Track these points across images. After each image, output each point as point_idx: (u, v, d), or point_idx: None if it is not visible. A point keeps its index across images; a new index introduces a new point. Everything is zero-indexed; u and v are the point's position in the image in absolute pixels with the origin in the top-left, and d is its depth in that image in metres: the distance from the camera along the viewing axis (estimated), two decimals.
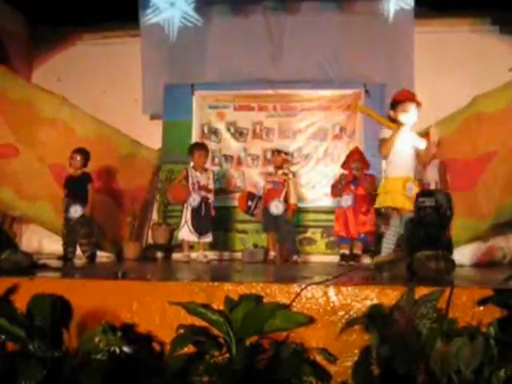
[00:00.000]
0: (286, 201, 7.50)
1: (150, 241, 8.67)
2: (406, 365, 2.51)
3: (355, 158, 7.30)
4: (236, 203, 8.31)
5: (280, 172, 7.70)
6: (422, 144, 5.19)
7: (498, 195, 6.51)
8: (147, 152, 8.88)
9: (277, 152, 7.83)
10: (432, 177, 6.44)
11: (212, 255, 7.95)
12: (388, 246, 4.94)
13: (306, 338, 2.83)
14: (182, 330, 2.82)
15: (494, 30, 8.61)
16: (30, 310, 2.90)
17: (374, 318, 2.71)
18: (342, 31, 8.85)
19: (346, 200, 7.16)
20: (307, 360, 2.77)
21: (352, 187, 7.19)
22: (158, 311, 3.01)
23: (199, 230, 7.26)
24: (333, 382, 2.75)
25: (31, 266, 4.20)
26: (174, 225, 8.09)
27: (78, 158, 6.91)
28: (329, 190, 7.57)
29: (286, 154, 8.11)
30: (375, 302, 2.85)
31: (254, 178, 8.80)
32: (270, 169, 8.03)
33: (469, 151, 6.92)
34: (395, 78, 8.30)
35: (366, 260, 7.09)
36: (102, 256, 7.65)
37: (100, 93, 9.14)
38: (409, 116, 5.16)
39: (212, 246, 7.94)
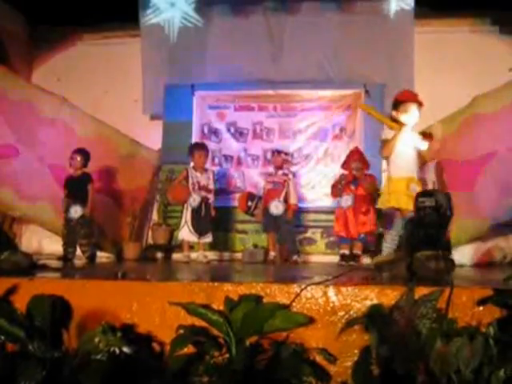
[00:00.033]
0: (285, 201, 7.50)
1: (150, 241, 8.67)
2: (405, 365, 2.51)
3: (355, 158, 7.30)
4: (236, 203, 8.30)
5: (280, 172, 7.70)
6: (423, 145, 5.20)
7: (497, 195, 6.51)
8: (147, 152, 8.87)
9: (277, 152, 7.84)
10: (429, 177, 6.44)
11: (212, 255, 7.95)
12: (390, 245, 4.95)
13: (306, 338, 2.83)
14: (181, 331, 2.82)
15: (493, 31, 8.60)
16: (29, 311, 2.90)
17: (374, 318, 2.71)
18: (342, 31, 8.85)
19: (346, 200, 7.15)
20: (307, 360, 2.77)
21: (352, 187, 7.19)
22: (157, 311, 3.01)
23: (199, 230, 7.26)
24: (332, 382, 2.75)
25: (31, 266, 4.20)
26: (174, 225, 8.10)
27: (78, 158, 6.90)
28: (329, 190, 7.56)
29: (286, 154, 8.12)
30: (375, 302, 2.85)
31: (254, 178, 8.79)
32: (270, 169, 8.02)
33: (469, 151, 6.92)
34: (395, 78, 8.30)
35: (366, 260, 7.08)
36: (102, 256, 7.66)
37: (100, 93, 9.12)
38: (410, 116, 5.17)
39: (212, 247, 7.95)
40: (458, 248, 6.32)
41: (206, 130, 9.01)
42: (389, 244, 4.98)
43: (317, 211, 8.43)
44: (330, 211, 7.86)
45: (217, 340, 2.77)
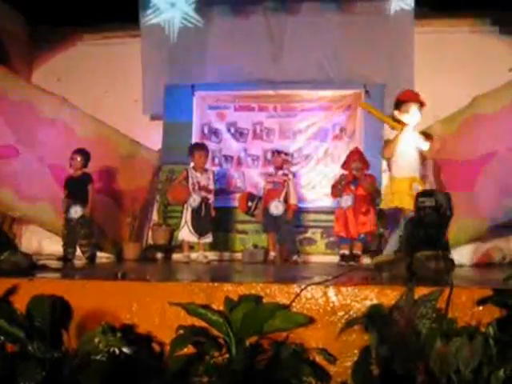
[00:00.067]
0: (285, 201, 7.50)
1: (150, 241, 8.66)
2: (405, 365, 2.51)
3: (355, 159, 7.29)
4: (236, 204, 8.31)
5: (280, 172, 7.70)
6: (425, 145, 5.20)
7: (497, 196, 6.51)
8: (147, 152, 8.86)
9: (277, 152, 7.84)
10: (430, 174, 6.45)
11: (212, 256, 7.95)
12: (395, 245, 4.94)
13: (306, 339, 2.84)
14: (181, 331, 2.82)
15: (493, 31, 8.60)
16: (29, 311, 2.90)
17: (374, 318, 2.71)
18: (342, 31, 8.85)
19: (346, 200, 7.14)
20: (307, 360, 2.77)
21: (352, 187, 7.18)
22: (157, 312, 3.01)
23: (199, 230, 7.26)
24: (332, 382, 2.75)
25: (31, 266, 4.20)
26: (174, 225, 8.09)
27: (79, 158, 6.90)
28: (329, 190, 7.55)
29: (286, 154, 8.11)
30: (375, 302, 2.85)
31: (254, 178, 8.79)
32: (270, 169, 8.02)
33: (468, 151, 6.92)
34: (395, 79, 8.30)
35: (366, 260, 7.08)
36: (102, 257, 7.67)
37: (100, 93, 9.13)
38: (412, 116, 5.18)
39: (212, 247, 7.95)
40: (457, 248, 6.34)
41: (206, 131, 9.00)
42: (393, 243, 4.97)
43: (317, 211, 8.42)
44: (330, 211, 7.85)
45: (217, 340, 2.77)
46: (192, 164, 7.55)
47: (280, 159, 7.75)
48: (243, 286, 3.01)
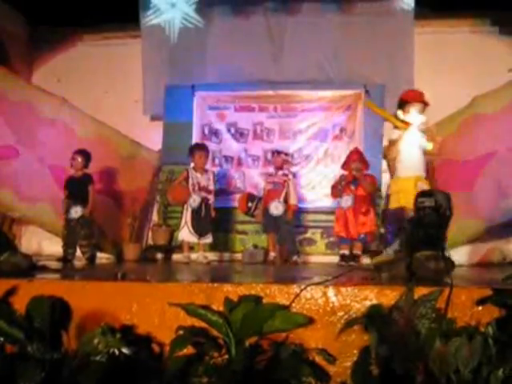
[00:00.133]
0: (285, 201, 7.50)
1: (150, 242, 8.67)
2: (404, 365, 2.51)
3: (355, 159, 7.28)
4: (236, 204, 8.31)
5: (280, 173, 7.70)
6: (428, 145, 5.21)
7: (496, 196, 6.51)
8: (147, 153, 8.87)
9: (277, 153, 7.84)
10: None
11: (212, 256, 7.95)
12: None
13: (306, 339, 2.83)
14: (181, 332, 2.82)
15: (493, 31, 8.60)
16: (29, 312, 2.90)
17: (373, 318, 2.71)
18: (342, 32, 8.86)
19: (346, 201, 7.14)
20: (306, 360, 2.77)
21: (352, 188, 7.17)
22: (157, 312, 3.01)
23: (199, 230, 7.27)
24: (332, 383, 2.75)
25: (30, 267, 4.19)
26: (174, 226, 8.09)
27: (79, 159, 6.91)
28: (329, 190, 7.55)
29: (286, 154, 8.11)
30: (374, 302, 2.85)
31: (254, 178, 8.80)
32: (271, 169, 8.02)
33: (468, 151, 6.93)
34: (395, 79, 8.31)
35: (366, 260, 7.08)
36: (102, 257, 7.67)
37: (100, 94, 9.14)
38: (416, 116, 5.19)
39: (212, 247, 7.95)
40: (457, 248, 6.35)
41: (206, 131, 9.01)
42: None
43: (317, 212, 8.43)
44: (330, 212, 7.85)
45: (216, 341, 2.77)
46: (192, 164, 7.55)
47: (280, 159, 7.75)
48: (243, 287, 3.01)
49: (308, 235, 8.39)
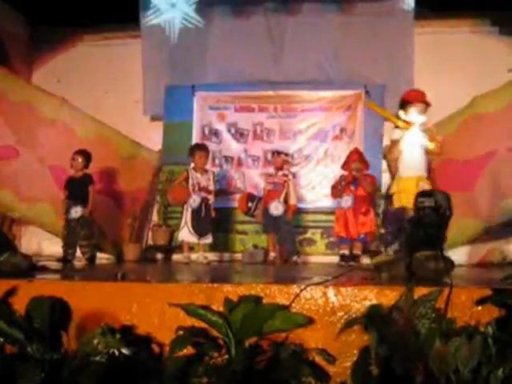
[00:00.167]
0: (285, 202, 7.50)
1: (150, 242, 8.67)
2: (404, 365, 2.51)
3: (355, 159, 7.28)
4: (236, 204, 8.31)
5: (280, 173, 7.70)
6: (430, 144, 5.22)
7: (496, 196, 6.51)
8: (148, 153, 8.86)
9: (277, 153, 7.84)
10: None
11: (212, 256, 7.94)
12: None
13: (306, 339, 2.84)
14: (181, 332, 2.82)
15: (493, 31, 8.59)
16: (28, 313, 2.90)
17: (373, 318, 2.72)
18: (342, 32, 8.85)
19: (346, 201, 7.14)
20: (306, 361, 2.77)
21: (352, 188, 7.18)
22: (157, 313, 3.01)
23: (199, 231, 7.26)
24: (332, 383, 2.75)
25: (30, 268, 4.19)
26: (174, 226, 8.09)
27: (80, 159, 6.91)
28: (329, 190, 7.55)
29: (286, 155, 8.11)
30: (374, 302, 2.85)
31: (254, 179, 8.79)
32: (271, 170, 8.02)
33: (468, 151, 6.92)
34: (395, 79, 8.31)
35: (366, 260, 7.08)
36: (102, 258, 7.67)
37: (101, 94, 9.13)
38: (418, 116, 5.19)
39: (212, 247, 7.95)
40: (457, 248, 6.35)
41: (206, 131, 9.01)
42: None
43: (317, 212, 8.43)
44: (330, 212, 7.86)
45: (216, 341, 2.77)
46: (192, 165, 7.54)
47: (280, 160, 7.75)
48: (243, 287, 3.01)
49: (308, 235, 8.39)
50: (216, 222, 7.58)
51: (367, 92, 8.53)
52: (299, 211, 8.05)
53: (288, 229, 7.56)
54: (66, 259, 6.61)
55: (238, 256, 8.19)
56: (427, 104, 5.28)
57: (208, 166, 7.90)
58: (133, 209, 8.33)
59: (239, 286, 3.01)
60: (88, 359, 2.68)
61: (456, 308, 2.74)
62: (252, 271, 5.66)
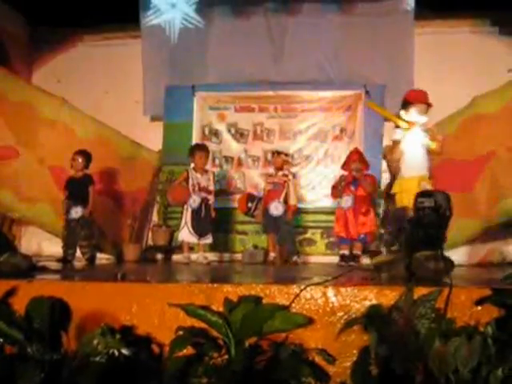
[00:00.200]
0: (285, 202, 7.50)
1: (150, 242, 8.67)
2: (404, 365, 2.51)
3: (355, 159, 7.28)
4: (236, 204, 8.31)
5: (280, 173, 7.70)
6: (432, 144, 5.22)
7: (496, 196, 6.51)
8: (148, 153, 8.86)
9: (277, 153, 7.84)
10: None
11: (212, 256, 7.94)
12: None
13: (305, 339, 2.84)
14: (181, 332, 2.82)
15: (493, 31, 8.59)
16: (28, 313, 2.90)
17: (373, 318, 2.72)
18: (342, 32, 8.85)
19: (347, 201, 7.14)
20: (306, 361, 2.77)
21: (352, 188, 7.17)
22: (157, 313, 3.01)
23: (199, 231, 7.26)
24: (332, 383, 2.75)
25: (30, 268, 4.19)
26: (174, 226, 8.09)
27: (80, 159, 6.91)
28: (329, 191, 7.56)
29: (287, 155, 8.11)
30: (374, 302, 2.86)
31: (254, 179, 8.79)
32: (271, 170, 8.03)
33: (467, 152, 6.92)
34: (395, 79, 8.31)
35: (366, 260, 7.07)
36: (102, 258, 7.67)
37: (101, 94, 9.13)
38: (419, 116, 5.19)
39: (212, 248, 7.94)
40: (456, 249, 6.35)
41: (206, 131, 9.00)
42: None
43: (317, 212, 8.43)
44: (330, 212, 7.85)
45: (216, 341, 2.77)
46: (192, 165, 7.54)
47: (280, 160, 7.75)
48: (243, 287, 3.01)
49: (308, 235, 8.39)
50: (216, 223, 7.58)
51: (367, 92, 8.53)
52: (299, 211, 8.06)
53: (288, 229, 7.55)
54: (65, 259, 6.61)
55: (238, 256, 8.19)
56: (429, 105, 5.28)
57: (208, 166, 7.91)
58: (133, 209, 8.33)
59: (239, 287, 3.01)
60: (88, 359, 2.68)
61: (456, 308, 2.74)
62: (252, 271, 5.66)
